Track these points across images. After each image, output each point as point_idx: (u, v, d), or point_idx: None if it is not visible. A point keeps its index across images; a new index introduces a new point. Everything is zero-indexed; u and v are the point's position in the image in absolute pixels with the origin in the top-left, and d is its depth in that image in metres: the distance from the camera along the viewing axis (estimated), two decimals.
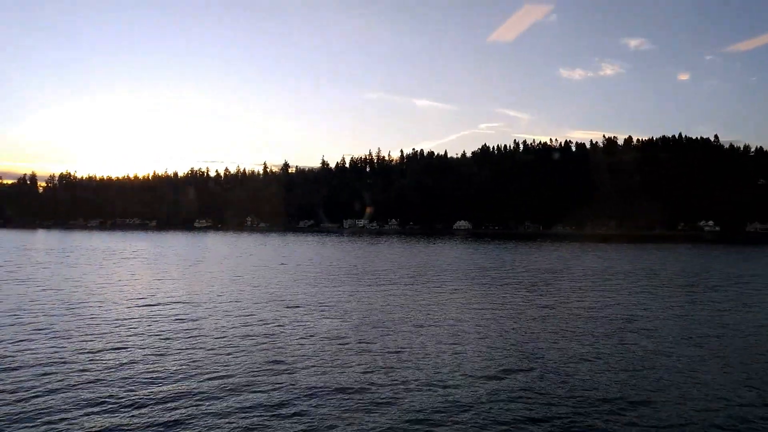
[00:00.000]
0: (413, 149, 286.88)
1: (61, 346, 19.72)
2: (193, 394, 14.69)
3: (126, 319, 25.10)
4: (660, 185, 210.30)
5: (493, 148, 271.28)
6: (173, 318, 25.56)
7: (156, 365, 17.33)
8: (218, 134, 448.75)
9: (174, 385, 15.45)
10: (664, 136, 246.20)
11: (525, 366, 17.81)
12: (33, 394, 14.45)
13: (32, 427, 12.51)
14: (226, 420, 13.07)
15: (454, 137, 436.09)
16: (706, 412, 13.92)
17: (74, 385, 15.20)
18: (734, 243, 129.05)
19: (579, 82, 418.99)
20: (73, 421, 12.78)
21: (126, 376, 16.20)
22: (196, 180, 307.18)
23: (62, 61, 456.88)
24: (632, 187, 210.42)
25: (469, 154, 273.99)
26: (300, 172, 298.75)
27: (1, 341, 20.34)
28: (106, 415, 13.21)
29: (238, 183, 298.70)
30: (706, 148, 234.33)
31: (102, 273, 47.19)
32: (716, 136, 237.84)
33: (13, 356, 18.16)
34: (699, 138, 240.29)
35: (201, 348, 19.71)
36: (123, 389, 14.97)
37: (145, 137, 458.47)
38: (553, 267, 57.95)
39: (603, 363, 18.23)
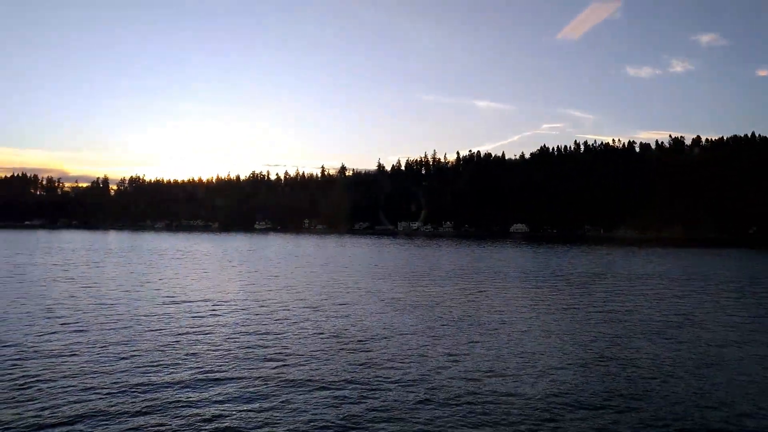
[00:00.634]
0: (470, 151, 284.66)
1: (81, 340, 21.16)
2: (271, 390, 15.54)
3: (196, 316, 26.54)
4: (729, 187, 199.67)
5: (553, 149, 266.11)
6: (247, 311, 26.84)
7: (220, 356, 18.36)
8: (280, 139, 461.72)
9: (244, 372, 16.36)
10: (735, 136, 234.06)
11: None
12: (39, 384, 15.69)
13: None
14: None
15: (516, 138, 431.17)
16: None
17: (72, 376, 16.39)
18: None
19: (646, 80, 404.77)
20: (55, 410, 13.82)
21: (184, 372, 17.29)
22: (258, 183, 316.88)
23: (134, 70, 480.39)
24: (700, 188, 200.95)
25: (527, 156, 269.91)
26: (356, 174, 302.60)
27: (30, 334, 22.03)
28: (101, 398, 14.20)
29: (297, 186, 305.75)
30: None
31: (179, 272, 49.83)
32: None
33: (37, 346, 19.68)
34: None
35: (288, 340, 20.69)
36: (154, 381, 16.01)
37: (210, 142, 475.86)
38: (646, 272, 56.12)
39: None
